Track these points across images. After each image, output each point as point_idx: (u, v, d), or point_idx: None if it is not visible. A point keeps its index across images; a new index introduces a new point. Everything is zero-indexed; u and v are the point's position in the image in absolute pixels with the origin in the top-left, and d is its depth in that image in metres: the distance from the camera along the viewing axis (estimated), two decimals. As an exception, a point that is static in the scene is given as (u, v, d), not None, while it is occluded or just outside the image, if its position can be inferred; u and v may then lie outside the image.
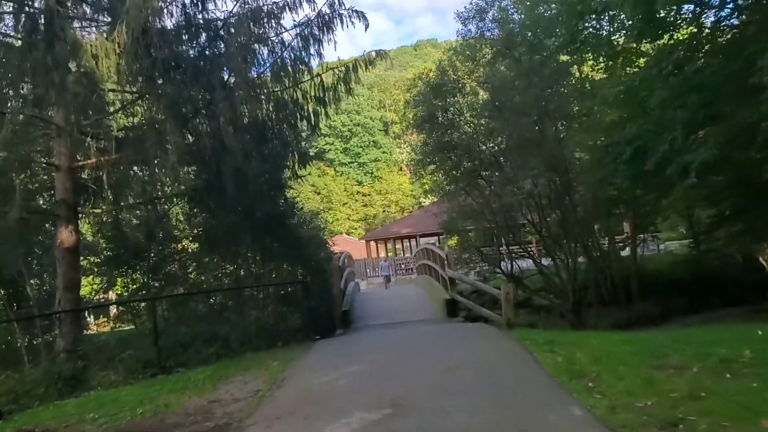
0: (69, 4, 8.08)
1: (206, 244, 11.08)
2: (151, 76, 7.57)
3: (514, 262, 15.97)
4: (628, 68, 12.20)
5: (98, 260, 11.87)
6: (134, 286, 11.70)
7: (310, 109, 10.05)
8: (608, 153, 11.42)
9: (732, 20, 9.95)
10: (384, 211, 60.92)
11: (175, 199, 11.39)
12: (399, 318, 11.50)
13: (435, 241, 25.71)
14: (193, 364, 7.62)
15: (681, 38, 10.38)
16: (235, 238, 10.30)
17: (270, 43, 9.27)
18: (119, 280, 12.07)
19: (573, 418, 3.65)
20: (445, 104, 15.33)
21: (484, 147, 15.56)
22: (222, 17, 8.93)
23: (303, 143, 11.51)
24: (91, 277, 12.06)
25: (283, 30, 9.24)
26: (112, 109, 9.75)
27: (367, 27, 9.38)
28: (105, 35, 7.48)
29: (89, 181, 9.88)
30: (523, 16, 15.30)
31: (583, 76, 15.35)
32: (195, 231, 11.61)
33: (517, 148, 14.62)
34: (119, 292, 12.72)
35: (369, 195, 62.45)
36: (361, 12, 9.17)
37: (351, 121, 63.32)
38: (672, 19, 10.22)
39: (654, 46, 11.22)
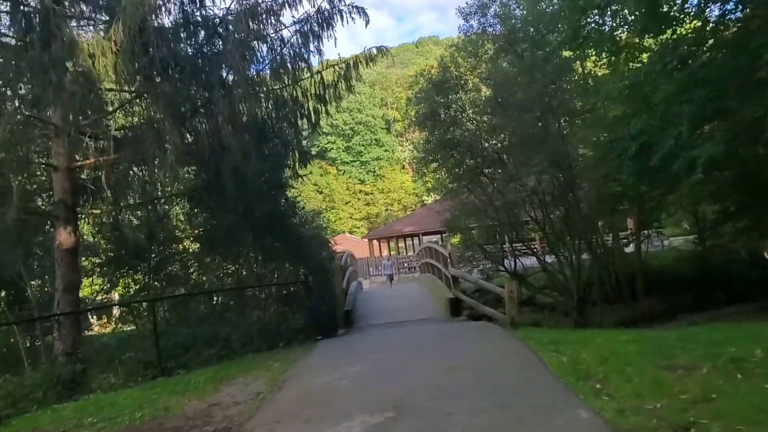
0: (65, 2, 8.00)
1: (207, 244, 11.05)
2: (149, 75, 7.47)
3: (517, 260, 15.84)
4: (631, 63, 12.08)
5: (99, 261, 11.81)
6: (135, 287, 11.65)
7: (311, 107, 9.94)
8: (612, 149, 11.29)
9: (736, 14, 9.83)
10: (386, 210, 60.93)
11: (175, 199, 11.34)
12: (402, 317, 11.42)
13: (438, 239, 25.65)
14: (194, 365, 7.61)
15: (685, 33, 10.26)
16: (236, 238, 10.28)
17: (269, 40, 9.17)
18: (121, 280, 12.04)
19: (580, 422, 3.56)
20: (447, 101, 15.18)
21: (486, 144, 15.40)
22: (220, 14, 8.83)
23: (304, 142, 11.41)
24: (92, 278, 12.00)
25: (282, 27, 9.14)
26: (110, 109, 9.66)
27: (367, 23, 9.28)
28: (102, 34, 7.39)
29: (88, 181, 9.78)
30: (525, 11, 15.20)
31: (586, 71, 15.22)
32: (196, 231, 11.57)
33: (520, 144, 14.46)
34: (121, 292, 12.69)
35: (371, 193, 62.45)
36: (362, 8, 9.05)
37: (353, 119, 63.29)
38: (675, 13, 10.09)
39: (657, 41, 11.08)
